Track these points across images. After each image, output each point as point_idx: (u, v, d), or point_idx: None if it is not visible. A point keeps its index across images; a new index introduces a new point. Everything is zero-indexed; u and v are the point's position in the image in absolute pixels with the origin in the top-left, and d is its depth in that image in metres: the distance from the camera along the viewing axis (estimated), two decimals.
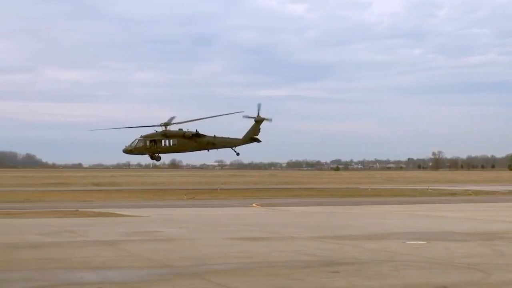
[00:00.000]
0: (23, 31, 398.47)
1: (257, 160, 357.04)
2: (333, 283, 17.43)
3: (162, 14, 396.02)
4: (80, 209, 48.24)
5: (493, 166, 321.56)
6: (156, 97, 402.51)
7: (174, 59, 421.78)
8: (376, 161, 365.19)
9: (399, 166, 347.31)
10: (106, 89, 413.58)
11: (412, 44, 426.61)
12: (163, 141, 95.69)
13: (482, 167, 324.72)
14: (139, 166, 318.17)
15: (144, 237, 29.06)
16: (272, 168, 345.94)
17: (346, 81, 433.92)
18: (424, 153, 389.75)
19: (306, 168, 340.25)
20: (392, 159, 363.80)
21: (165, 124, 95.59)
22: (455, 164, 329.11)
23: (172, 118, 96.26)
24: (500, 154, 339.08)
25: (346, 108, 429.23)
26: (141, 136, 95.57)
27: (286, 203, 59.25)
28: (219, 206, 54.51)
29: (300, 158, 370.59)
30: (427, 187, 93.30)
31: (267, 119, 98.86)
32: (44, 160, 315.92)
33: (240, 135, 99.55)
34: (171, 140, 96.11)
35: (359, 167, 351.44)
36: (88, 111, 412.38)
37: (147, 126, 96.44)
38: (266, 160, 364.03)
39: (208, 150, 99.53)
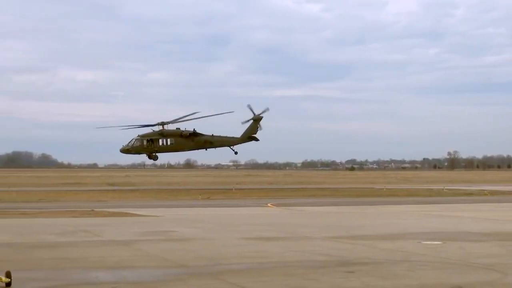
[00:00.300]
0: (39, 31, 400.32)
1: (272, 160, 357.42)
2: (348, 283, 17.39)
3: (177, 14, 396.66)
4: (95, 209, 48.38)
5: (509, 166, 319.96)
6: (171, 97, 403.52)
7: (189, 59, 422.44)
8: (391, 161, 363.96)
9: (414, 166, 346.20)
10: (122, 89, 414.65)
11: (428, 44, 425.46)
12: (160, 140, 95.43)
13: (498, 167, 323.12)
14: (154, 166, 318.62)
15: (159, 237, 29.11)
16: (287, 168, 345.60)
17: (362, 81, 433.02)
18: (439, 153, 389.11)
19: (321, 168, 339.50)
20: (407, 159, 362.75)
21: (162, 124, 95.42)
22: (470, 164, 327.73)
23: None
24: None
25: (362, 108, 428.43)
26: (138, 136, 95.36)
27: (301, 203, 59.20)
28: (234, 206, 54.52)
29: (315, 158, 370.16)
30: (442, 187, 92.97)
31: (265, 111, 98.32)
32: (59, 160, 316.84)
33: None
34: (168, 139, 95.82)
35: (374, 167, 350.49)
36: (103, 111, 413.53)
37: (144, 126, 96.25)
38: (281, 160, 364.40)
39: (206, 149, 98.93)
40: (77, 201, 61.83)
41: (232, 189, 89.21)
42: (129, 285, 17.38)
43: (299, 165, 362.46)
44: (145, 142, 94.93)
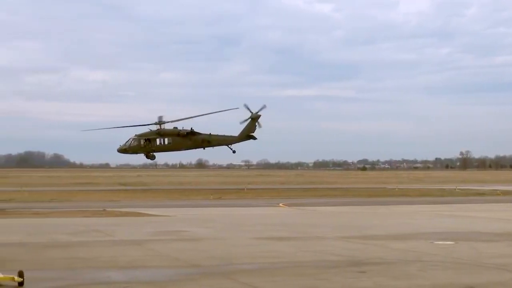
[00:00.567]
0: (51, 32, 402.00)
1: (284, 160, 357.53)
2: (359, 283, 17.37)
3: (188, 15, 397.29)
4: (107, 209, 48.49)
5: None
6: (182, 97, 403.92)
7: (200, 59, 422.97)
8: (403, 161, 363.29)
9: (426, 166, 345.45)
10: (133, 89, 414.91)
11: (439, 43, 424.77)
12: (157, 139, 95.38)
13: (511, 167, 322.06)
14: (166, 166, 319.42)
15: (170, 237, 29.15)
16: (299, 168, 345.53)
17: (373, 80, 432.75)
18: (451, 152, 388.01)
19: (332, 168, 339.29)
20: (419, 158, 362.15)
21: (160, 123, 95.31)
22: (483, 164, 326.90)
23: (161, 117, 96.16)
24: None
25: (373, 108, 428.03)
26: (136, 135, 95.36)
27: (313, 203, 59.16)
28: (246, 206, 54.53)
29: (327, 158, 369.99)
30: (455, 187, 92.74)
31: (262, 108, 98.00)
32: (71, 160, 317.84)
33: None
34: (165, 139, 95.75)
35: (386, 167, 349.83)
36: (114, 111, 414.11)
37: (142, 125, 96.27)
38: (292, 160, 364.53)
39: (204, 148, 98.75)
40: (89, 201, 61.98)
41: (244, 189, 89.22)
42: (141, 285, 17.41)
43: (310, 165, 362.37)
44: (142, 142, 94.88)
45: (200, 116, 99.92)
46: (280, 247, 25.32)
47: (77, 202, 59.54)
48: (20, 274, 17.00)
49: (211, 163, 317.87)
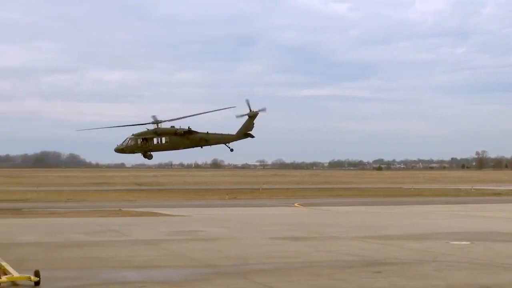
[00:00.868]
0: (68, 32, 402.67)
1: (299, 159, 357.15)
2: (375, 284, 17.34)
3: (204, 15, 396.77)
4: (123, 209, 48.63)
5: None
6: (198, 97, 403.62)
7: (216, 59, 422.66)
8: (419, 160, 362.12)
9: (442, 165, 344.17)
10: (150, 89, 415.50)
11: (455, 42, 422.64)
12: (154, 139, 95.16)
13: None
14: (181, 166, 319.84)
15: (186, 237, 29.20)
16: (314, 167, 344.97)
17: (389, 80, 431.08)
18: (467, 152, 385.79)
19: (348, 168, 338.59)
20: (435, 158, 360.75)
21: (157, 122, 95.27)
22: (499, 164, 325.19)
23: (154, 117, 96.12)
24: None
25: (389, 107, 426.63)
26: (133, 135, 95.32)
27: (328, 203, 59.11)
28: (261, 206, 54.56)
29: (342, 157, 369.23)
30: (470, 187, 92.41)
31: (261, 110, 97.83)
32: (87, 160, 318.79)
33: None
34: (163, 138, 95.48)
35: (402, 166, 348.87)
36: (131, 111, 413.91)
37: (139, 124, 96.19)
38: (308, 159, 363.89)
39: (202, 147, 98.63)
40: (104, 201, 62.18)
41: (259, 189, 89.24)
42: (156, 284, 17.44)
43: (326, 165, 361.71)
44: (139, 141, 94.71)
45: (199, 115, 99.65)
46: (295, 247, 25.32)
47: (93, 202, 59.74)
48: (36, 274, 17.09)
49: (226, 163, 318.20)
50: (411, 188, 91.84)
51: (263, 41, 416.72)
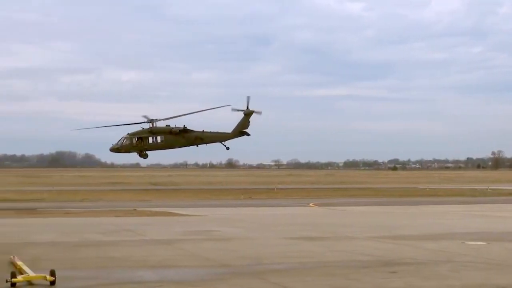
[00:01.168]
0: (85, 32, 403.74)
1: (314, 159, 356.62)
2: (390, 284, 17.30)
3: (220, 15, 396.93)
4: (138, 209, 48.74)
5: None
6: (214, 96, 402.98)
7: (232, 59, 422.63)
8: (434, 160, 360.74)
9: (457, 165, 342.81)
10: (166, 89, 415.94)
11: (471, 42, 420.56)
12: (150, 138, 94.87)
13: None
14: (196, 165, 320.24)
15: (201, 237, 29.23)
16: (329, 167, 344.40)
17: (404, 80, 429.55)
18: (483, 152, 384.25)
19: (363, 168, 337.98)
20: (450, 158, 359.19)
21: (152, 121, 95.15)
22: None
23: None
24: None
25: (404, 107, 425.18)
26: (128, 134, 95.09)
27: (343, 203, 59.03)
28: (276, 206, 54.55)
29: (357, 157, 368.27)
30: (486, 187, 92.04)
31: (256, 112, 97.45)
32: (102, 160, 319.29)
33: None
34: (158, 137, 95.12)
35: (417, 166, 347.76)
36: (147, 111, 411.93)
37: (134, 124, 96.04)
38: (323, 159, 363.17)
39: (197, 146, 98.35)
40: (120, 201, 62.32)
41: (274, 189, 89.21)
42: (172, 284, 17.47)
43: (341, 165, 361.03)
44: (134, 141, 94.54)
45: (194, 113, 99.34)
46: (310, 247, 25.31)
47: (108, 202, 59.88)
48: (52, 273, 17.15)
49: (241, 163, 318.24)
50: (426, 188, 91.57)
51: (278, 41, 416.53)
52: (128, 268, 20.13)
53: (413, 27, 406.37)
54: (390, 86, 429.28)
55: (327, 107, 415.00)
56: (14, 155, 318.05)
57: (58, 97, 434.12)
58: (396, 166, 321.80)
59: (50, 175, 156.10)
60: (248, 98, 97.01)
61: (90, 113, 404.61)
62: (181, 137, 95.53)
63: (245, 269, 19.92)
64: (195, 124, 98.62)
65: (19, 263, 19.56)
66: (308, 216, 43.87)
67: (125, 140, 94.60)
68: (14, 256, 20.82)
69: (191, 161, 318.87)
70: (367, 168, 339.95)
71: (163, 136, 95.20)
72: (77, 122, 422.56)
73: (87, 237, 29.09)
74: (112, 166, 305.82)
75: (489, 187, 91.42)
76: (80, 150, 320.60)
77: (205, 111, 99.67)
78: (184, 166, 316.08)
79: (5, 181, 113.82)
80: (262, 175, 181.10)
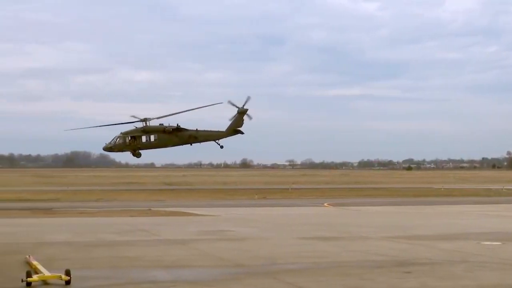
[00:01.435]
0: (98, 33, 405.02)
1: (328, 159, 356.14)
2: (405, 284, 17.26)
3: (233, 15, 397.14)
4: (152, 208, 48.82)
5: None
6: (227, 97, 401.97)
7: (245, 59, 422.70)
8: (449, 160, 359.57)
9: (473, 165, 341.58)
10: (179, 89, 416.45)
11: (486, 41, 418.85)
12: (143, 137, 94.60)
13: None
14: (211, 165, 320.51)
15: (215, 236, 29.25)
16: (344, 167, 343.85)
17: (419, 79, 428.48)
18: (499, 152, 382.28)
19: (378, 168, 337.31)
20: (465, 158, 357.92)
21: (145, 120, 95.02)
22: None
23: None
24: None
25: (419, 107, 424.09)
26: (121, 133, 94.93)
27: (358, 202, 58.95)
28: (290, 206, 54.53)
29: (372, 157, 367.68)
30: (501, 187, 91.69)
31: (246, 101, 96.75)
32: (117, 160, 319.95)
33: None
34: (151, 136, 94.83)
35: (432, 166, 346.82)
36: (160, 111, 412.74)
37: (127, 123, 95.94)
38: (337, 159, 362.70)
39: (191, 144, 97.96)
40: (134, 201, 62.48)
41: (289, 188, 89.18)
42: (186, 284, 17.49)
43: (355, 164, 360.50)
44: (127, 140, 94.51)
45: (187, 111, 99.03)
46: (324, 247, 25.28)
47: (123, 202, 60.03)
48: (67, 273, 17.22)
49: (255, 163, 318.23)
50: (441, 188, 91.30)
51: (292, 41, 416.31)
52: (143, 268, 20.17)
53: (427, 27, 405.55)
54: (404, 85, 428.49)
55: (341, 107, 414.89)
56: (30, 155, 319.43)
57: (72, 97, 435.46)
58: (411, 166, 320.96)
59: (65, 175, 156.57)
60: (248, 98, 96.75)
61: (104, 113, 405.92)
62: (175, 136, 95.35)
63: (259, 269, 19.92)
64: (196, 124, 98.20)
65: (35, 262, 19.65)
66: (323, 216, 43.83)
67: (118, 139, 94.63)
68: (29, 256, 20.93)
69: (205, 161, 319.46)
70: (381, 168, 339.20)
71: (156, 135, 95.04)
72: (90, 122, 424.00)
73: (101, 237, 29.17)
74: (127, 166, 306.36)
75: (504, 187, 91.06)
76: (95, 150, 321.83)
77: (198, 109, 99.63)
78: (198, 166, 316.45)
79: (20, 181, 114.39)
80: (276, 175, 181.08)
